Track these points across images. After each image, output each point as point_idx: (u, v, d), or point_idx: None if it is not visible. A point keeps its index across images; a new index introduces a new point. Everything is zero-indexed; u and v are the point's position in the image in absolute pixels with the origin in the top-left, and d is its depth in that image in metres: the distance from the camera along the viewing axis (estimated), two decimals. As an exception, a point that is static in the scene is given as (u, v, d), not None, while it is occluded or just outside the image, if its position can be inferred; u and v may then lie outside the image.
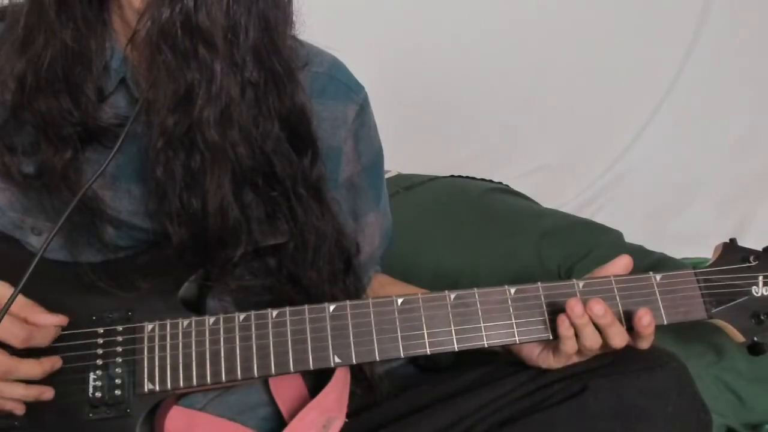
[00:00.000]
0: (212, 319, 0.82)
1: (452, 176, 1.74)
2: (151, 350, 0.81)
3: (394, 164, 1.64)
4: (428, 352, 0.83)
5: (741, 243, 0.91)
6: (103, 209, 0.83)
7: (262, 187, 0.82)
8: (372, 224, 1.01)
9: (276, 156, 0.81)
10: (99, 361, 0.81)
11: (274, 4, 0.77)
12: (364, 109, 0.96)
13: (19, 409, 0.78)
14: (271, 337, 0.82)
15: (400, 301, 0.84)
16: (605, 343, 0.84)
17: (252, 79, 0.77)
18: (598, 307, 0.82)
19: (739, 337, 0.87)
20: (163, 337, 0.81)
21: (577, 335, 0.83)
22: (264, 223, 0.83)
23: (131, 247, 0.86)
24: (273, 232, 0.84)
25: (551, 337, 0.85)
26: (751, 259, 0.88)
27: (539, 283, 0.86)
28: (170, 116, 0.75)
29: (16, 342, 0.77)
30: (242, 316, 0.82)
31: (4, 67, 0.78)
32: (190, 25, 0.72)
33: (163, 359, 0.81)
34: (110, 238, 0.84)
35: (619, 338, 0.84)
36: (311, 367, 0.82)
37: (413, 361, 1.07)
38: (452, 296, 0.84)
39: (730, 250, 0.90)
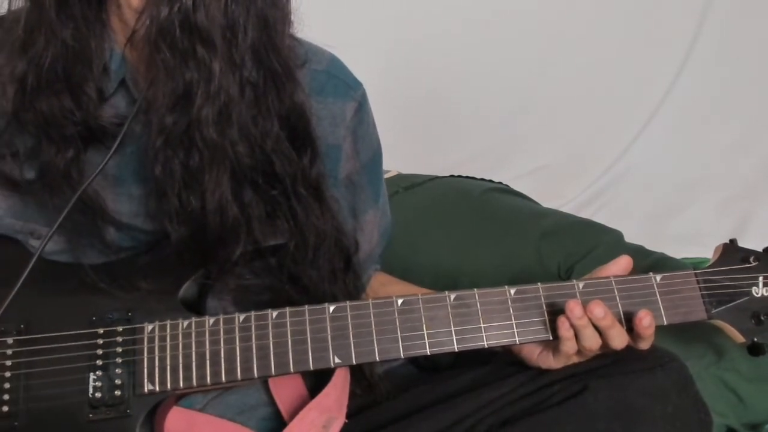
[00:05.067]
0: (212, 320, 0.82)
1: (452, 176, 1.74)
2: (151, 351, 0.81)
3: (394, 164, 1.64)
4: (428, 353, 0.83)
5: (741, 243, 0.91)
6: (105, 209, 0.83)
7: (262, 186, 0.82)
8: (371, 222, 1.01)
9: (275, 155, 0.81)
10: (99, 362, 0.81)
11: (272, 4, 0.77)
12: (362, 106, 0.95)
13: None
14: (271, 338, 0.81)
15: (400, 301, 0.84)
16: (605, 344, 0.84)
17: (251, 79, 0.77)
18: (598, 309, 0.82)
19: (739, 338, 0.87)
20: (163, 338, 0.81)
21: (576, 336, 0.83)
22: (264, 223, 0.83)
23: (133, 247, 0.86)
24: (273, 231, 0.84)
25: (551, 338, 0.85)
26: (751, 259, 0.88)
27: (539, 283, 0.86)
28: (169, 115, 0.75)
29: None
30: (242, 316, 0.82)
31: (4, 69, 0.78)
32: (188, 24, 0.72)
33: (163, 360, 0.81)
34: (112, 239, 0.85)
35: (619, 340, 0.84)
36: (311, 368, 0.81)
37: (413, 360, 1.07)
38: (452, 297, 0.84)
39: (731, 251, 0.90)
